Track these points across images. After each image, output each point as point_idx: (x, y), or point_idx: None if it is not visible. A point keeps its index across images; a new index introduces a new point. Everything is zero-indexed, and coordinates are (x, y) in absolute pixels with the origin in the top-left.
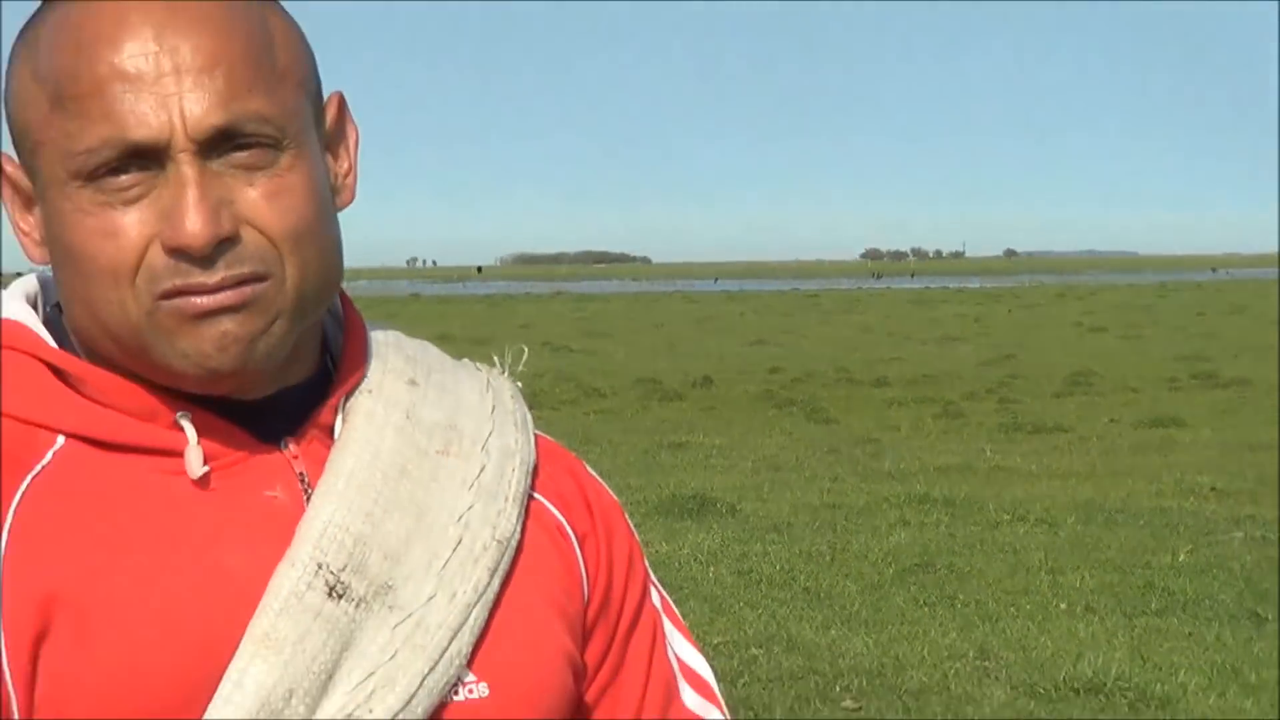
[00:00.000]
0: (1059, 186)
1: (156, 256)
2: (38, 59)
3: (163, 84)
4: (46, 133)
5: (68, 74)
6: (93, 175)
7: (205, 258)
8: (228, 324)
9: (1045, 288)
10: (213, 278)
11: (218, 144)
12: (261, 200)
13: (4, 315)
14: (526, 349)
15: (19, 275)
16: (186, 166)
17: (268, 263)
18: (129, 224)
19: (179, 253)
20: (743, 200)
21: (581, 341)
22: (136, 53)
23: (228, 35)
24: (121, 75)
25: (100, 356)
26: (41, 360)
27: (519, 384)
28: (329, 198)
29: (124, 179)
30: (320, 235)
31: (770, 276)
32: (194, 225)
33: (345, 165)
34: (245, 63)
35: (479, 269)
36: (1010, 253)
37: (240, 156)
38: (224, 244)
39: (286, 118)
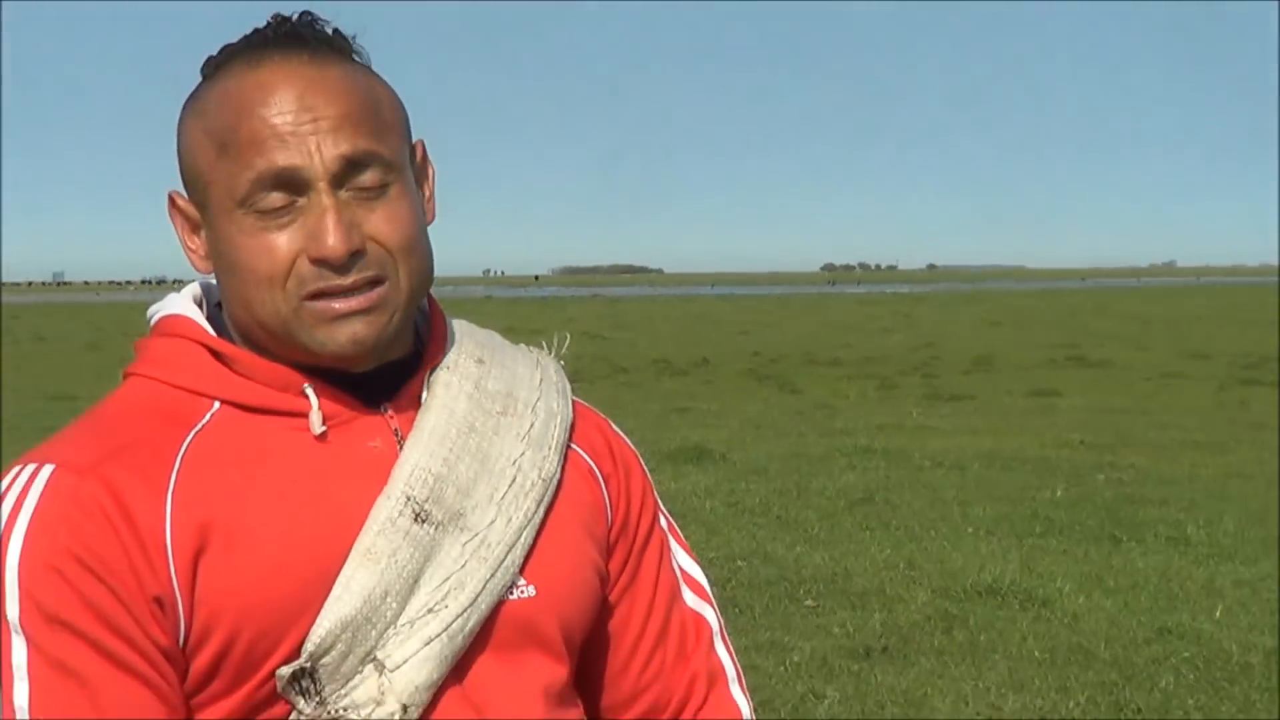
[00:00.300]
0: (967, 213)
1: (303, 266)
2: (206, 119)
3: (302, 132)
4: (214, 174)
5: (231, 128)
6: (252, 204)
7: (342, 266)
8: (358, 325)
9: (957, 293)
10: (347, 280)
11: (345, 176)
12: (381, 221)
13: (175, 312)
14: (569, 336)
15: (177, 282)
16: (324, 195)
17: (386, 269)
18: (281, 243)
19: (322, 263)
20: (732, 223)
21: (611, 332)
22: (285, 110)
23: (348, 98)
24: (272, 128)
25: (252, 342)
26: (203, 345)
27: (563, 362)
28: (423, 218)
29: (277, 202)
30: (421, 247)
31: (752, 284)
32: (334, 241)
33: (428, 193)
34: (361, 117)
35: (536, 278)
36: (931, 266)
37: (365, 190)
38: (355, 255)
39: (392, 157)
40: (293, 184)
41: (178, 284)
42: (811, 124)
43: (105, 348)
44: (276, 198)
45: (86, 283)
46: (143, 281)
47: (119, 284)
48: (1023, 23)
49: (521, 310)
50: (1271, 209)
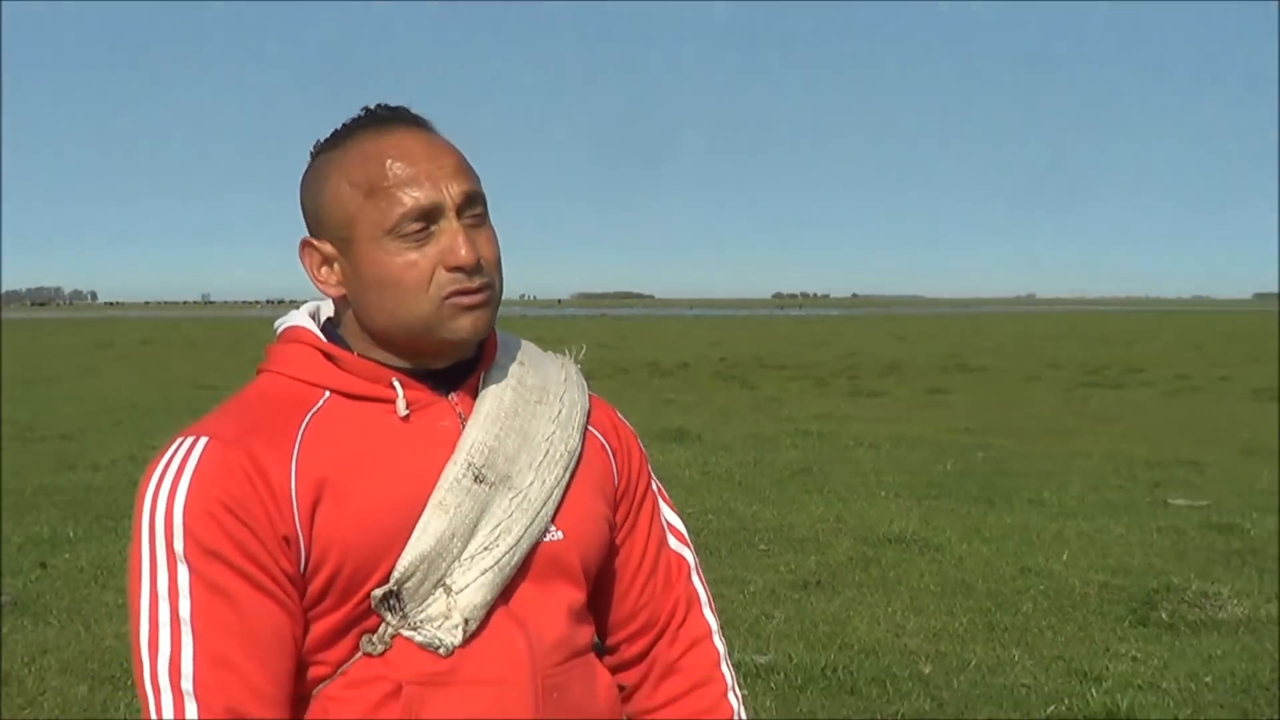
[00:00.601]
0: (881, 253)
1: (440, 275)
2: (350, 174)
3: (435, 176)
4: (362, 214)
5: (378, 177)
6: (398, 231)
7: (473, 271)
8: (479, 316)
9: (873, 315)
10: (475, 283)
11: (464, 207)
12: (484, 243)
13: (296, 324)
14: (585, 346)
15: (293, 301)
16: (454, 221)
17: (491, 277)
18: (422, 259)
19: (458, 269)
20: (705, 260)
21: (615, 342)
22: (419, 162)
23: (453, 154)
24: (413, 175)
25: (389, 343)
26: (316, 348)
27: (580, 365)
28: None
29: (415, 235)
30: (501, 264)
31: (720, 307)
32: (466, 253)
33: None
34: (465, 167)
35: (559, 301)
36: (855, 295)
37: (473, 219)
38: (478, 264)
39: (484, 196)
40: (430, 214)
41: (293, 303)
42: (766, 181)
43: (240, 350)
44: (417, 226)
45: (226, 301)
46: (268, 301)
47: (250, 303)
48: (923, 92)
49: (547, 326)
50: (1106, 251)
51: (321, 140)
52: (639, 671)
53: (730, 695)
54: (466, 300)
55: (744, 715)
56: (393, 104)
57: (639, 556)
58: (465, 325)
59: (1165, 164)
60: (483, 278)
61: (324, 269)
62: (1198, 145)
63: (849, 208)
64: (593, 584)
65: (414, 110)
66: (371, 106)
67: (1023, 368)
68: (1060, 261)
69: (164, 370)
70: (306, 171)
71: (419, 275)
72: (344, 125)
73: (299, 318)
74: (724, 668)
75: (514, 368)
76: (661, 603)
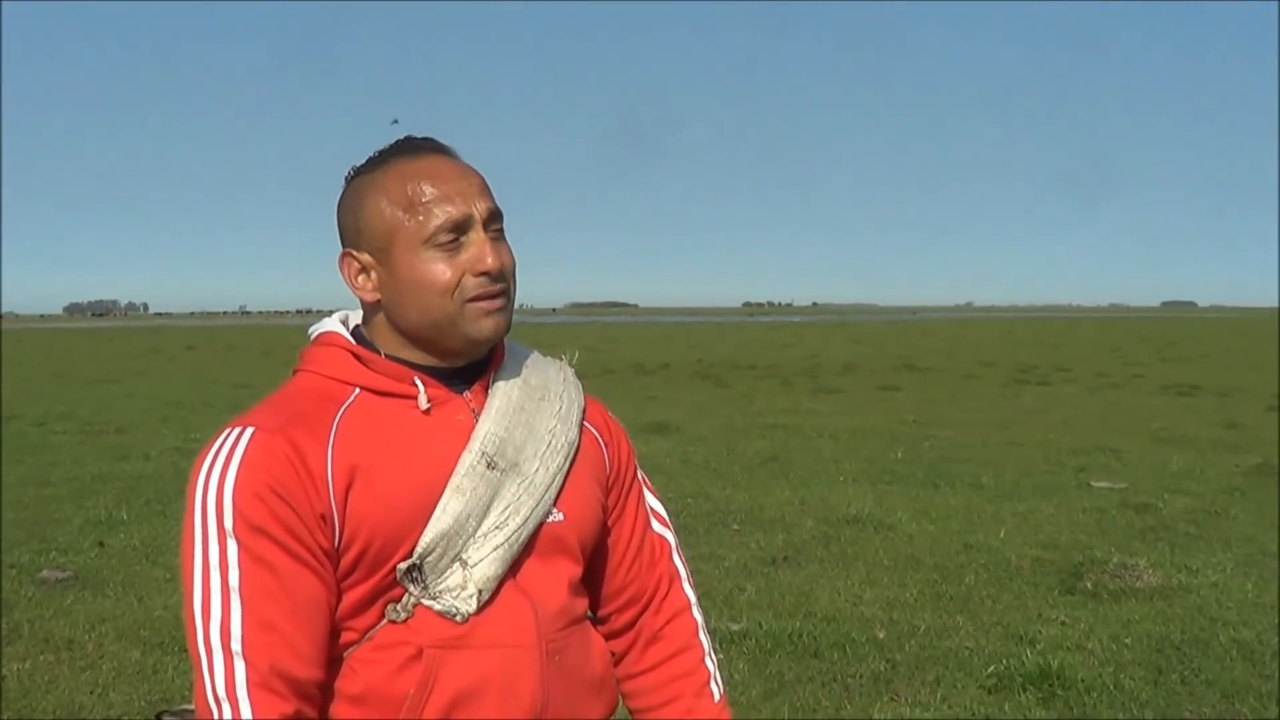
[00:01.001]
0: (839, 266)
1: (467, 280)
2: (389, 193)
3: (466, 194)
4: (401, 227)
5: (416, 194)
6: (434, 241)
7: (496, 277)
8: (499, 318)
9: (832, 321)
10: (496, 288)
11: (489, 222)
12: (504, 254)
13: (328, 329)
14: (578, 351)
15: (320, 311)
16: (482, 233)
17: (509, 284)
18: (453, 266)
19: (484, 275)
20: (684, 272)
21: (603, 346)
22: (451, 181)
23: (477, 176)
24: (446, 193)
25: (416, 341)
26: (348, 350)
27: (575, 366)
28: None
29: (447, 246)
30: (516, 274)
31: (697, 314)
32: (492, 259)
33: None
34: (487, 188)
35: (553, 309)
36: (815, 303)
37: (494, 233)
38: (500, 271)
39: (503, 216)
40: (461, 226)
41: (320, 312)
42: (737, 202)
43: (273, 354)
44: (449, 237)
45: (262, 311)
46: (298, 311)
47: (282, 312)
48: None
49: (543, 332)
50: (1034, 264)
51: (357, 166)
52: (627, 640)
53: (707, 660)
54: (487, 305)
55: (719, 677)
56: (421, 135)
57: (627, 537)
58: (488, 326)
59: (1084, 186)
60: (503, 284)
61: (360, 277)
62: (1117, 171)
63: (810, 226)
64: (587, 561)
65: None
66: (402, 138)
67: (963, 367)
68: (994, 274)
69: (206, 372)
70: (344, 193)
71: (449, 280)
72: (379, 152)
73: (331, 324)
74: (701, 636)
75: (519, 369)
76: (646, 579)
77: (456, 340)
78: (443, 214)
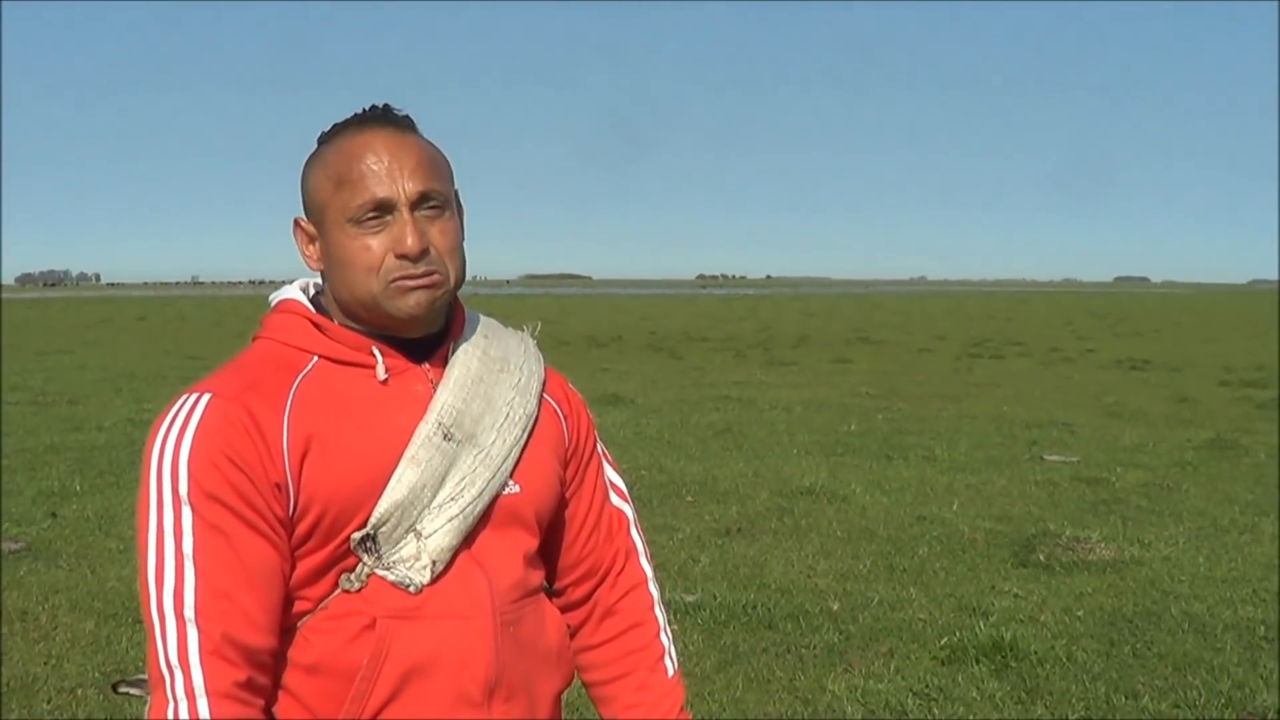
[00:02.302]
0: (792, 238)
1: (389, 260)
2: (327, 166)
3: (393, 174)
4: (332, 201)
5: (345, 171)
6: (358, 219)
7: (416, 259)
8: (421, 296)
9: (785, 294)
10: (418, 269)
11: (418, 203)
12: (438, 234)
13: (288, 296)
14: (540, 323)
15: (273, 282)
16: (405, 213)
17: (440, 266)
18: (375, 244)
19: (403, 257)
20: (636, 244)
21: (557, 318)
22: (382, 159)
23: (418, 154)
24: (374, 171)
25: (350, 315)
26: (306, 318)
27: (535, 338)
28: (462, 235)
29: (372, 224)
30: (459, 253)
31: (650, 286)
32: (412, 241)
33: (462, 221)
34: (430, 167)
35: (507, 281)
36: (769, 276)
37: (428, 212)
38: (423, 253)
39: (447, 195)
40: (384, 206)
41: (273, 283)
42: (690, 174)
43: (224, 325)
44: (373, 216)
45: (214, 282)
46: (250, 281)
47: (234, 283)
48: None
49: (497, 304)
50: (988, 239)
51: (324, 132)
52: (583, 612)
53: (662, 635)
54: (409, 283)
55: (673, 652)
56: (380, 104)
57: (584, 510)
58: (408, 304)
59: (1037, 160)
60: (429, 265)
61: (310, 246)
62: (1069, 145)
63: (764, 200)
64: (544, 533)
65: (400, 110)
66: (367, 107)
67: (916, 340)
68: (948, 248)
69: (158, 343)
70: (306, 159)
71: (371, 259)
72: (338, 122)
73: (292, 291)
74: (656, 611)
75: (479, 340)
76: (603, 552)
77: (383, 318)
78: (366, 193)
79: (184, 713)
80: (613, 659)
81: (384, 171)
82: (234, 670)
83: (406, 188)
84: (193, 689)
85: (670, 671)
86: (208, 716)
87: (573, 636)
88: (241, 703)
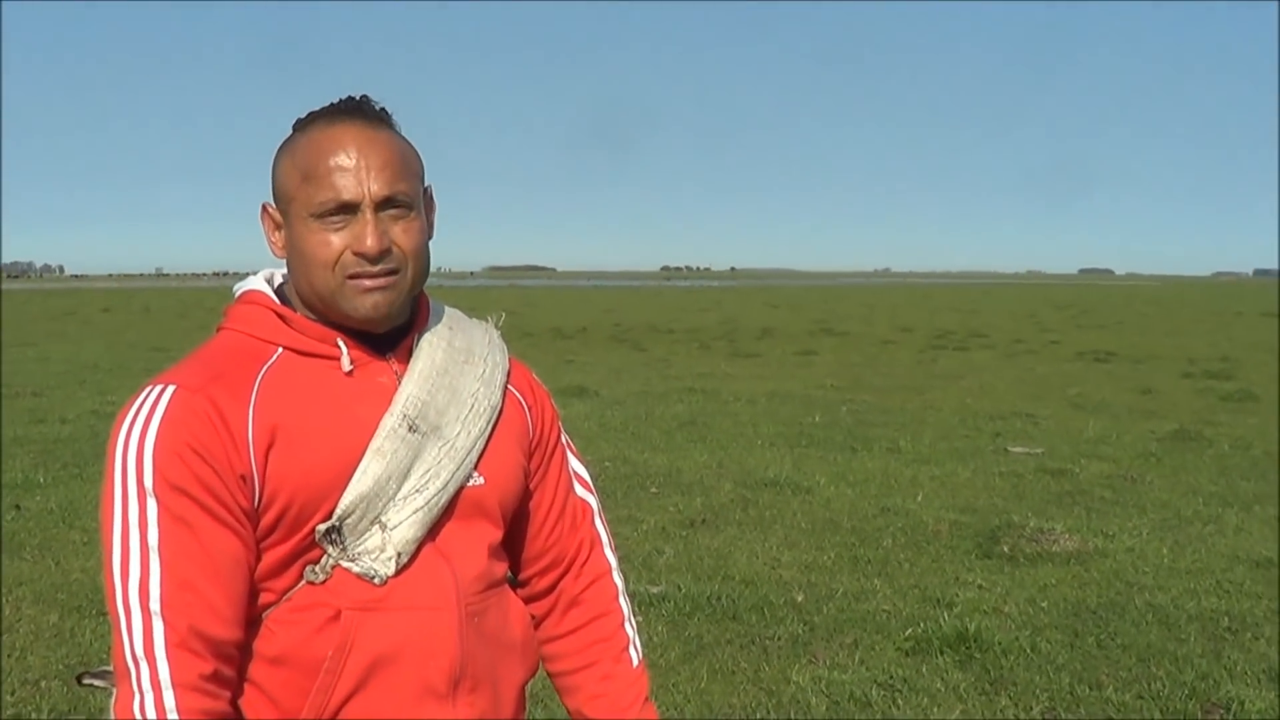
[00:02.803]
0: (756, 231)
1: (348, 257)
2: (296, 157)
3: (359, 173)
4: (297, 194)
5: (313, 165)
6: (321, 215)
7: (375, 259)
8: (379, 297)
9: (750, 286)
10: (376, 268)
11: (383, 205)
12: (401, 234)
13: (253, 287)
14: (504, 314)
15: (237, 274)
16: (368, 213)
17: (401, 265)
18: (335, 240)
19: (362, 256)
20: (600, 236)
21: (522, 310)
22: (350, 157)
23: (388, 153)
24: (340, 167)
25: (309, 307)
26: (270, 309)
27: (499, 329)
28: (427, 236)
29: (335, 220)
30: (423, 254)
31: (615, 278)
32: (372, 242)
33: (431, 220)
34: (398, 166)
35: (471, 273)
36: (733, 268)
37: (393, 212)
38: (384, 253)
39: (414, 196)
40: (348, 207)
41: (237, 275)
42: (655, 167)
43: (189, 317)
44: (335, 213)
45: (178, 274)
46: (214, 273)
47: (198, 275)
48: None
49: (461, 296)
50: (952, 231)
51: (300, 118)
52: (548, 603)
53: (626, 625)
54: (367, 283)
55: (638, 643)
56: (358, 95)
57: (549, 501)
58: (365, 304)
59: (1000, 152)
60: (388, 264)
61: (275, 233)
62: (1035, 137)
63: (729, 192)
64: (508, 524)
65: (377, 102)
66: (343, 98)
67: (881, 332)
68: (912, 240)
69: (122, 335)
70: (282, 144)
71: (330, 254)
72: (314, 111)
73: (256, 282)
74: (621, 601)
75: (444, 331)
76: (568, 543)
77: (338, 315)
78: (331, 191)
79: (150, 705)
80: (577, 649)
81: (350, 171)
82: (200, 662)
83: (372, 189)
84: (159, 681)
85: (635, 662)
86: (174, 708)
87: (537, 627)
88: (208, 695)
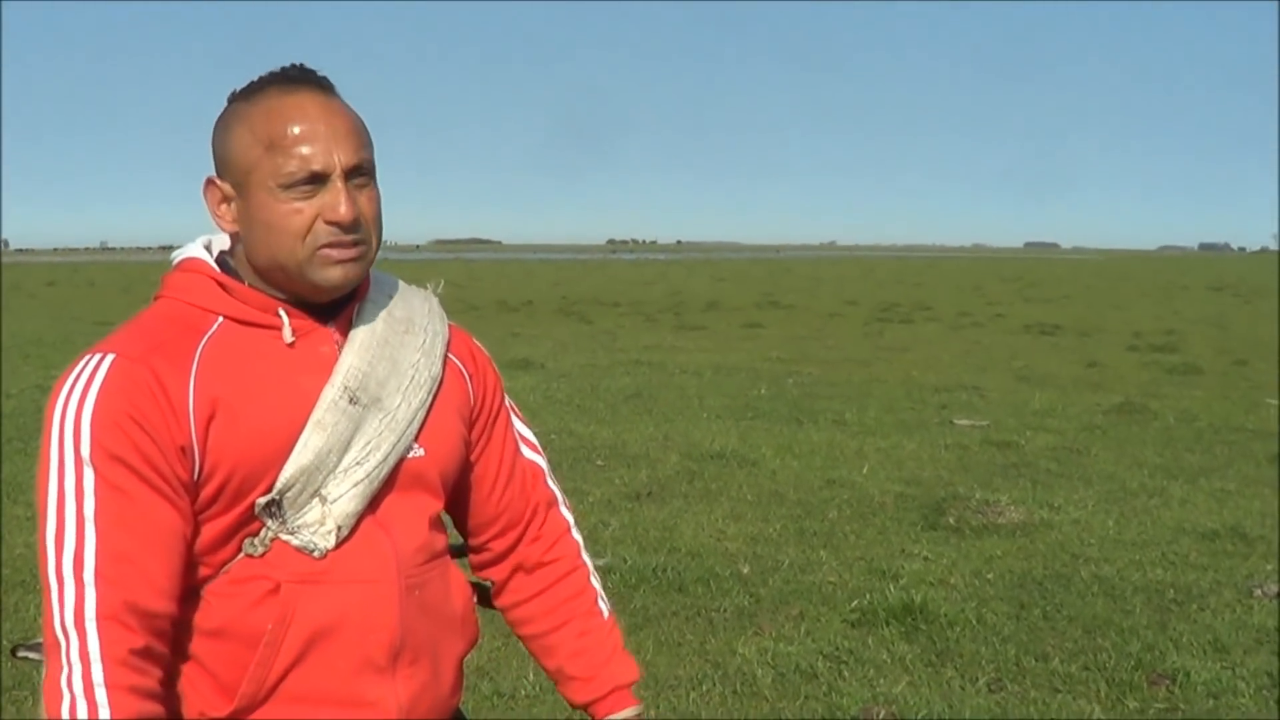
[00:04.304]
0: (703, 204)
1: (320, 227)
2: (254, 126)
3: (327, 143)
4: (259, 165)
5: (278, 134)
6: (290, 184)
7: (348, 228)
8: (349, 268)
9: (696, 259)
10: (349, 238)
11: (351, 174)
12: (365, 203)
13: (192, 255)
14: (443, 281)
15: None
16: (339, 182)
17: (366, 234)
18: (306, 209)
19: (335, 225)
20: (545, 209)
21: (468, 283)
22: (317, 125)
23: (348, 121)
24: (308, 137)
25: (267, 280)
26: (211, 277)
27: (440, 298)
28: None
29: (303, 189)
30: (381, 222)
31: (560, 251)
32: (345, 209)
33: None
34: (360, 135)
35: (417, 246)
36: (679, 241)
37: (358, 181)
38: (354, 222)
39: (372, 164)
40: (318, 176)
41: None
42: (599, 139)
43: (134, 291)
44: (305, 182)
45: (123, 247)
46: (160, 247)
47: (144, 248)
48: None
49: (407, 269)
50: (905, 199)
51: (237, 90)
52: (506, 567)
53: (592, 579)
54: (337, 254)
55: (604, 594)
56: (299, 65)
57: (496, 466)
58: (335, 275)
59: (944, 124)
60: (358, 234)
61: (223, 206)
62: (983, 112)
63: (675, 164)
64: (450, 495)
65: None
66: (285, 66)
67: (826, 305)
68: (858, 213)
69: (66, 309)
70: (219, 117)
71: (301, 224)
72: (257, 79)
73: (195, 249)
74: (584, 556)
75: (384, 301)
76: (521, 506)
77: (303, 285)
78: (300, 160)
79: (78, 679)
80: (549, 609)
81: (319, 139)
82: (132, 636)
83: (341, 158)
84: (88, 654)
85: (605, 613)
86: (102, 682)
87: (501, 593)
88: (137, 671)
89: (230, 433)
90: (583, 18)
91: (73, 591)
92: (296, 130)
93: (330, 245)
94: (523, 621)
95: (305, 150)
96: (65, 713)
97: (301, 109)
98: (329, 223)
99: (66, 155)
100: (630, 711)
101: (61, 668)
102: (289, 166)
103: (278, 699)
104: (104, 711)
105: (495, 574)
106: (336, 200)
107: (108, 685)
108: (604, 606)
